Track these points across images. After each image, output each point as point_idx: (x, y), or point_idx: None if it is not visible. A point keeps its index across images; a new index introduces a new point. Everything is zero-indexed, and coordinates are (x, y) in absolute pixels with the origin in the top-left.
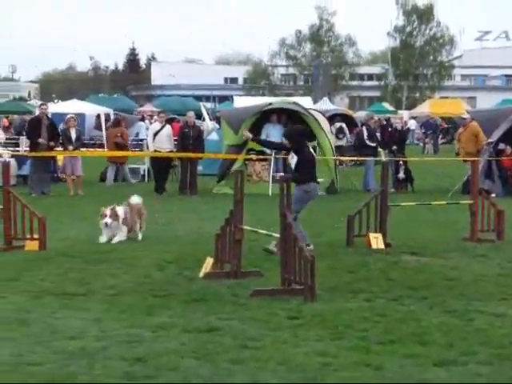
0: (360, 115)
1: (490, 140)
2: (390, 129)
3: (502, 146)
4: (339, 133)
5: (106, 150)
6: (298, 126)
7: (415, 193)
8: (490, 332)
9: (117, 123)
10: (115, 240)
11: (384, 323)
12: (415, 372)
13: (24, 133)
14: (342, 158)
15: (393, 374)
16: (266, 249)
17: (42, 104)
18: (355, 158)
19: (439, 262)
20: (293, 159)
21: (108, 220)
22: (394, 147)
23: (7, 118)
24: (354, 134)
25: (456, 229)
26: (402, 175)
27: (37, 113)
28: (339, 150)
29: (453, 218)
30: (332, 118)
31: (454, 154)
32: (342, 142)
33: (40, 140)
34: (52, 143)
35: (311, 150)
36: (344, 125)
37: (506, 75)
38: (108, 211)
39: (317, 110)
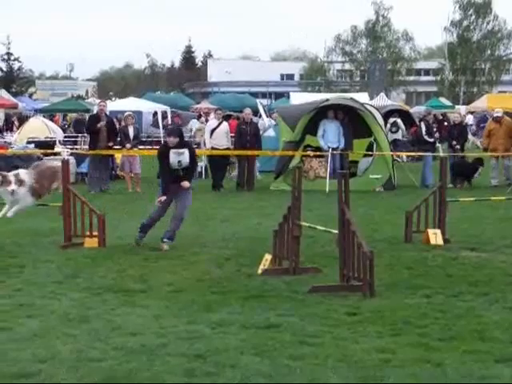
0: (417, 110)
1: None
2: (445, 123)
3: None
4: (393, 127)
5: None
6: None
7: (473, 188)
8: None
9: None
10: (14, 210)
11: (444, 319)
12: (476, 368)
13: (84, 129)
14: (399, 153)
15: (454, 370)
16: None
17: (100, 101)
18: (413, 154)
19: (500, 257)
20: (182, 155)
21: (14, 187)
22: (454, 142)
23: (66, 116)
24: (411, 132)
25: None
26: (477, 175)
27: (95, 110)
28: (394, 143)
29: None
30: (389, 114)
31: (482, 150)
32: (397, 136)
33: (99, 124)
34: (111, 143)
35: None
36: (399, 120)
37: None
38: (12, 177)
39: (372, 106)
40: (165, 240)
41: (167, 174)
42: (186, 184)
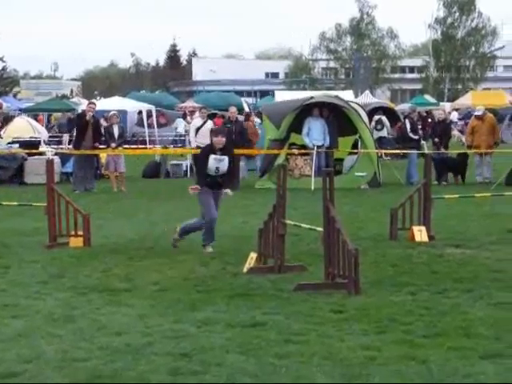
0: (402, 108)
1: None
2: (429, 120)
3: None
4: (377, 124)
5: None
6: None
7: (458, 185)
8: None
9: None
10: None
11: (429, 316)
12: (461, 365)
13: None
14: (385, 151)
15: (438, 367)
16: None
17: (90, 102)
18: (398, 151)
19: (484, 254)
20: (222, 162)
21: None
22: (436, 139)
23: (50, 116)
24: (396, 128)
25: (500, 221)
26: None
27: (80, 110)
28: (379, 141)
29: (497, 210)
30: (374, 112)
31: (466, 147)
32: (382, 134)
33: (88, 116)
34: (97, 144)
35: None
36: (384, 117)
37: None
38: None
39: (357, 104)
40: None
41: (204, 175)
42: (229, 193)
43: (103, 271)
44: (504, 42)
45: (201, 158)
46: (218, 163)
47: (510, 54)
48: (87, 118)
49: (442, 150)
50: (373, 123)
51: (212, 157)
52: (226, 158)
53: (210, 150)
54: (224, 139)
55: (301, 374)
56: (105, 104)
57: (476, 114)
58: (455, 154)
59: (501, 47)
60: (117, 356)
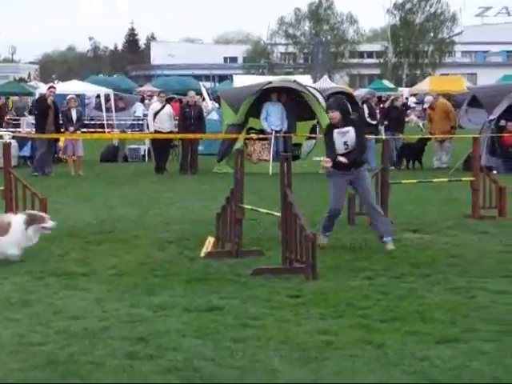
0: (360, 93)
1: (491, 117)
2: (382, 106)
3: (502, 122)
4: None
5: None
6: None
7: (416, 170)
8: (493, 309)
9: None
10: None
11: (386, 301)
12: (417, 349)
13: (33, 111)
14: None
15: (395, 351)
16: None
17: (50, 86)
18: None
19: (441, 239)
20: (347, 134)
21: None
22: (385, 122)
23: (7, 99)
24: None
25: (458, 206)
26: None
27: (37, 94)
28: None
29: (454, 196)
30: (332, 96)
31: (428, 134)
32: None
33: (49, 100)
34: (61, 129)
35: None
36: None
37: (508, 51)
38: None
39: (315, 89)
40: (385, 240)
41: (334, 153)
42: (340, 158)
43: (60, 255)
44: (462, 28)
45: (326, 136)
46: (343, 137)
47: (468, 40)
48: (48, 102)
49: (399, 136)
50: None
51: (335, 131)
52: (350, 129)
53: (332, 126)
54: (337, 113)
55: (258, 358)
56: (63, 88)
57: (425, 106)
58: (413, 140)
59: (459, 33)
60: (73, 340)
